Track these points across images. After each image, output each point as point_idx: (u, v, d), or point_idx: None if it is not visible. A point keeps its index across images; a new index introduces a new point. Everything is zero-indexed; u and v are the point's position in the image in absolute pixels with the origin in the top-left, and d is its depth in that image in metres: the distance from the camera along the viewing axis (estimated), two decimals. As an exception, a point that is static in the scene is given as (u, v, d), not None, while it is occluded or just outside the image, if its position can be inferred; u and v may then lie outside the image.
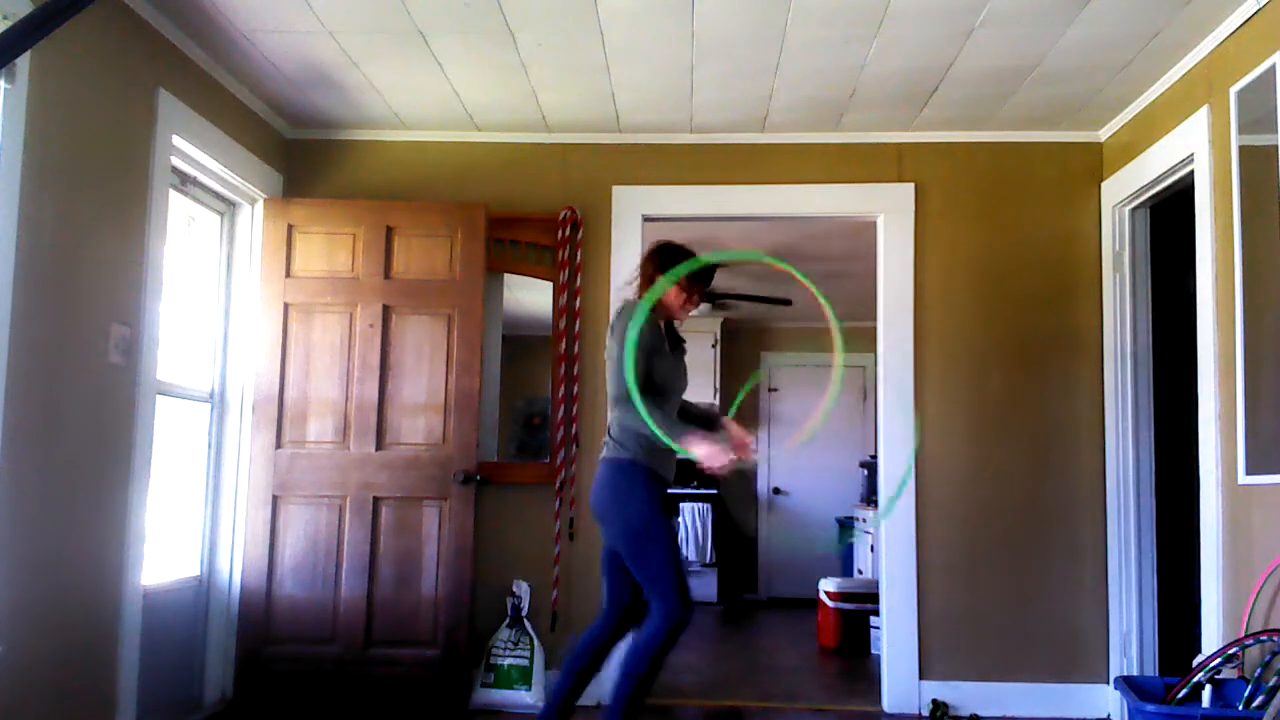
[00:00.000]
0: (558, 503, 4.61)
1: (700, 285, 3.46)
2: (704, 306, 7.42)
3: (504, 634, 4.49)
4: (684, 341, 3.61)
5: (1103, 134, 4.59)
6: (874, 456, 7.85)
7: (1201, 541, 3.66)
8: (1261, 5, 3.28)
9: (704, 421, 3.56)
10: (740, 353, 9.32)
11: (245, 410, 4.43)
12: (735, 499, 9.23)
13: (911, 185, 4.66)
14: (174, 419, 4.08)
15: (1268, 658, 3.01)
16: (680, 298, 3.43)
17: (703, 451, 3.14)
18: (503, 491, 4.61)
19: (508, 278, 4.90)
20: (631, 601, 3.39)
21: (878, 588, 4.79)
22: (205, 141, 3.95)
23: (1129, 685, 3.18)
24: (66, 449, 3.18)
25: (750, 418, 9.19)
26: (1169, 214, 4.34)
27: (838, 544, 7.47)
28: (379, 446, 4.44)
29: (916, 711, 4.46)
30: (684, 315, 3.50)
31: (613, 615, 3.43)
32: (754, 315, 8.86)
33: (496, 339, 4.84)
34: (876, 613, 5.11)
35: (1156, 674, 4.24)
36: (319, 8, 3.51)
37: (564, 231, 4.70)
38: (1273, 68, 3.16)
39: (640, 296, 3.41)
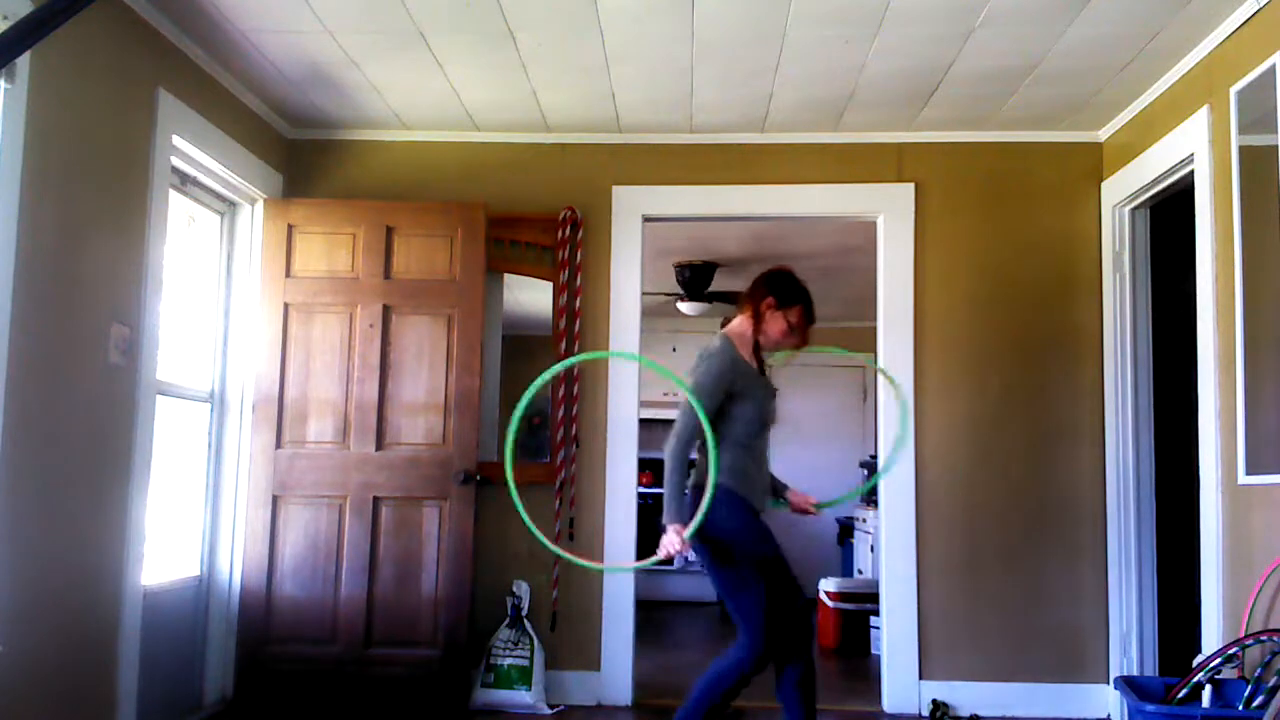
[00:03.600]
0: (558, 503, 4.61)
1: (810, 324, 3.42)
2: (702, 306, 7.41)
3: (504, 634, 4.49)
4: (770, 366, 3.52)
5: (1102, 134, 4.59)
6: (874, 456, 7.84)
7: (1201, 541, 3.66)
8: (1261, 5, 3.28)
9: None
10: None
11: (245, 410, 4.43)
12: None
13: (911, 185, 4.66)
14: (174, 419, 4.08)
15: (1268, 658, 3.01)
16: (783, 330, 3.37)
17: (663, 540, 3.09)
18: (503, 491, 4.59)
19: (508, 278, 4.89)
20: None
21: (878, 588, 4.78)
22: (205, 141, 3.95)
23: (1129, 685, 3.18)
24: (66, 449, 3.18)
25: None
26: (1169, 214, 4.34)
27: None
28: (379, 446, 4.44)
29: (916, 711, 4.46)
30: (779, 346, 3.45)
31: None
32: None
33: (496, 339, 4.84)
34: (876, 613, 5.11)
35: (1156, 674, 4.24)
36: (319, 8, 3.51)
37: (564, 231, 4.70)
38: (1273, 68, 3.16)
39: (750, 329, 3.37)
